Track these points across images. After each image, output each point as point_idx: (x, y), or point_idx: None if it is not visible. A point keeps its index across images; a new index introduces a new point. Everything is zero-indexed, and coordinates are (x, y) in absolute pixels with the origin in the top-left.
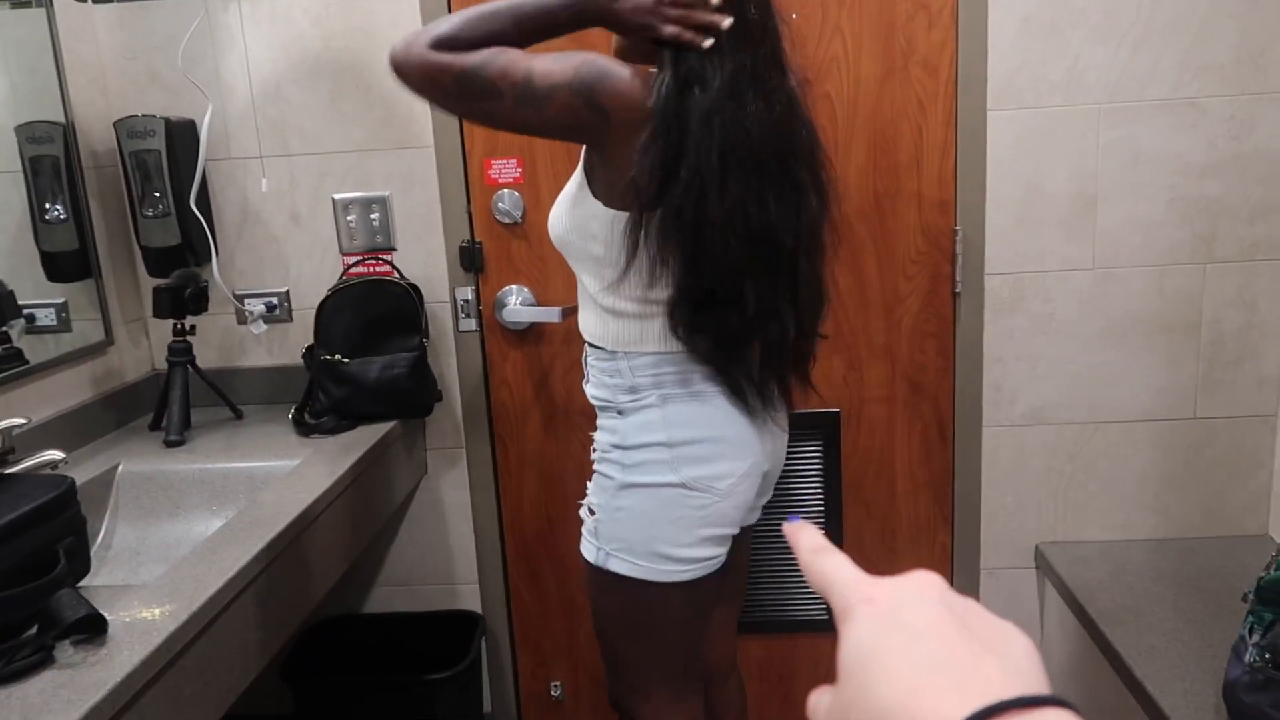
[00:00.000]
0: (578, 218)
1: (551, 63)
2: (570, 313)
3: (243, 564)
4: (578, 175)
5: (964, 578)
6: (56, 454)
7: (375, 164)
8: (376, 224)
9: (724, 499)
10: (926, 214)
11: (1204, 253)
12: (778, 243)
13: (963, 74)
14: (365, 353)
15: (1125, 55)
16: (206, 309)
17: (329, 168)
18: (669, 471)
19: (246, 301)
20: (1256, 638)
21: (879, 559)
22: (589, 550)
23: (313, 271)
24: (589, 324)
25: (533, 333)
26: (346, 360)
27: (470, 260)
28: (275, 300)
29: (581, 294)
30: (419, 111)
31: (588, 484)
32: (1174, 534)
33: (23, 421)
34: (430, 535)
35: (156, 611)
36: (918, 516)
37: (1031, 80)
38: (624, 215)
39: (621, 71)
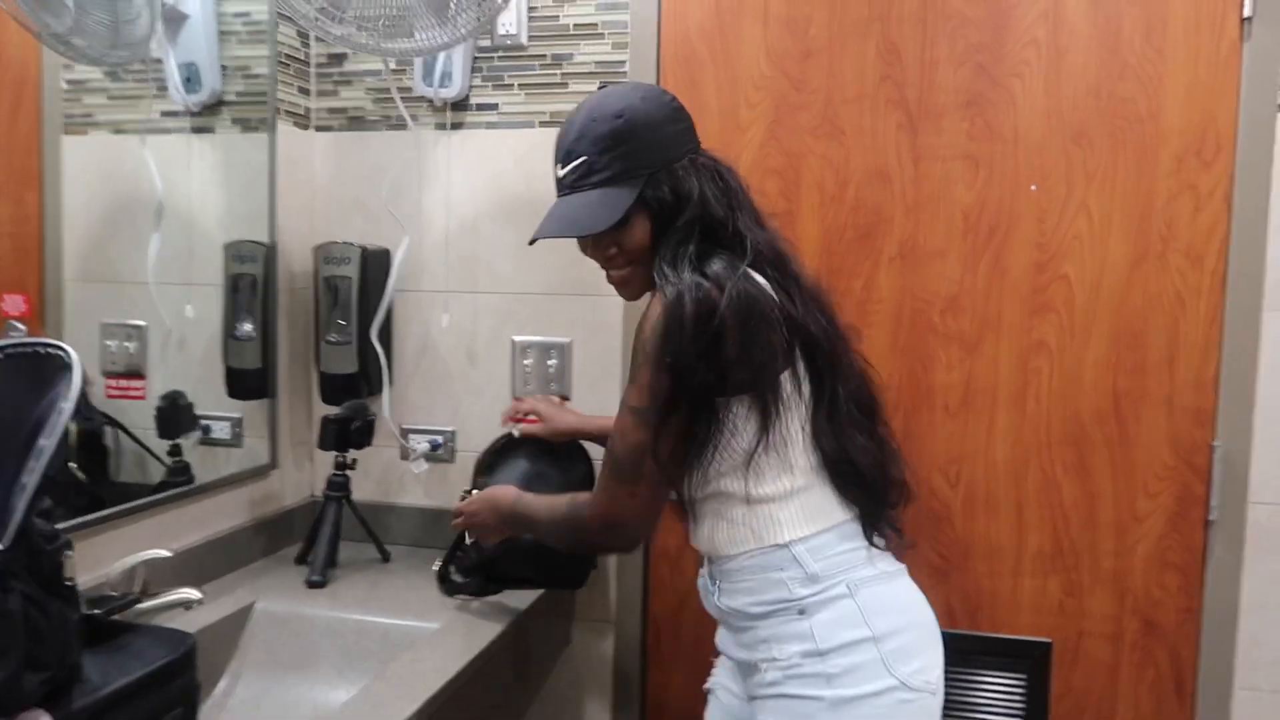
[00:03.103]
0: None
1: None
2: None
3: None
4: None
5: None
6: (193, 593)
7: (559, 308)
8: (553, 371)
9: (935, 695)
10: (1178, 423)
11: None
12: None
13: (1234, 266)
14: None
15: None
16: (370, 443)
17: (513, 308)
18: (884, 673)
19: (411, 438)
20: None
21: None
22: None
23: (482, 413)
24: (736, 531)
25: None
26: None
27: None
28: (440, 439)
29: (719, 507)
30: None
31: None
32: None
33: (165, 555)
34: (564, 717)
35: None
36: None
37: None
38: (745, 397)
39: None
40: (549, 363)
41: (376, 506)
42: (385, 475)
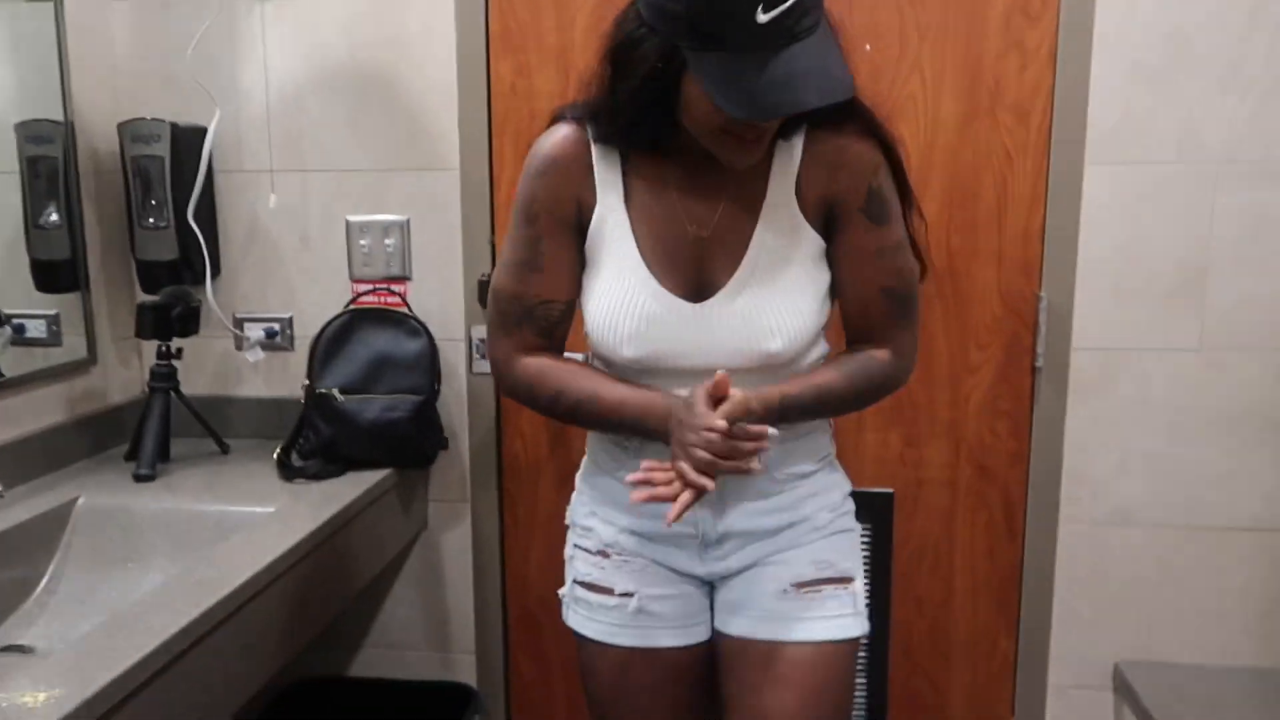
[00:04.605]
0: (823, 281)
1: None
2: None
3: (165, 637)
4: (809, 247)
5: (1028, 694)
6: None
7: (395, 185)
8: (391, 251)
9: None
10: (1007, 276)
11: None
12: None
13: (1059, 122)
14: (366, 390)
15: (1250, 110)
16: (196, 331)
17: (345, 187)
18: None
19: (245, 326)
20: None
21: (930, 664)
22: (856, 626)
23: (319, 298)
24: None
25: None
26: (341, 396)
27: None
28: (276, 326)
29: (791, 372)
30: (446, 130)
31: (813, 562)
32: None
33: None
34: (425, 597)
35: (41, 696)
36: (977, 619)
37: (1138, 133)
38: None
39: None
40: (386, 242)
41: (214, 400)
42: (221, 367)
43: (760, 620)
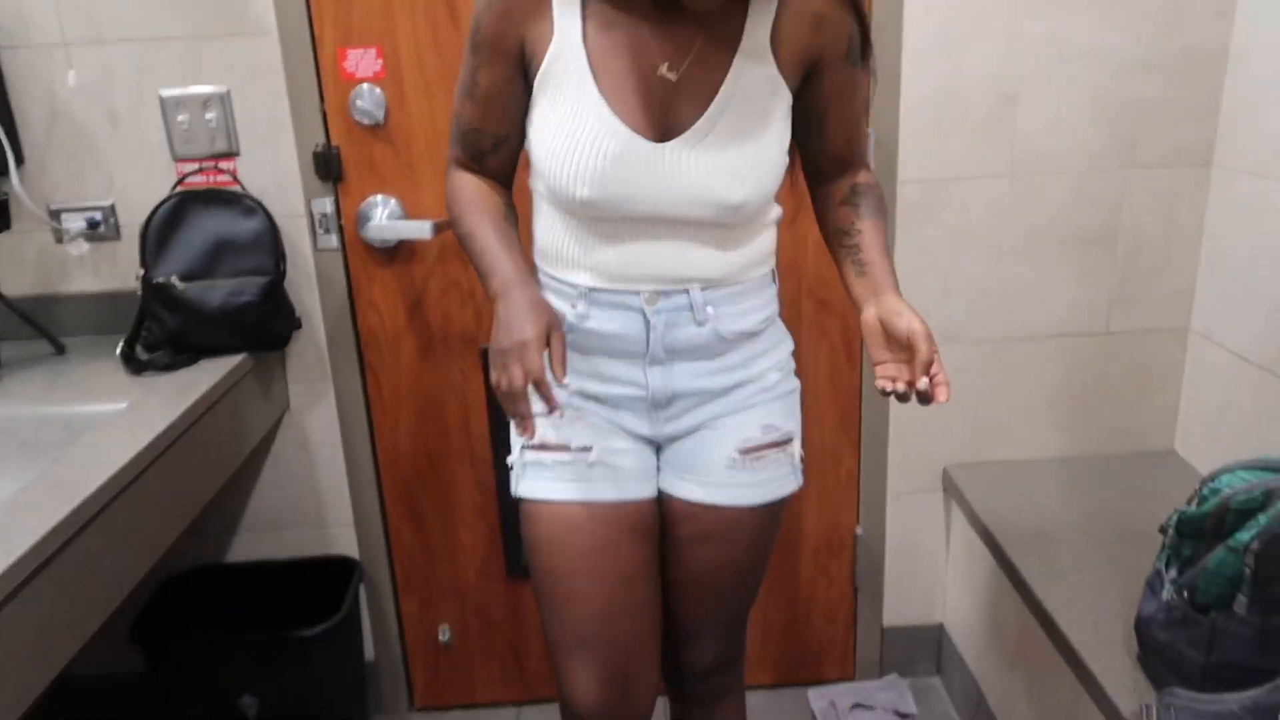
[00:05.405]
0: (787, 135)
1: None
2: (445, 227)
3: (31, 543)
4: (778, 101)
5: (870, 502)
6: None
7: (209, 54)
8: (214, 125)
9: None
10: None
11: (1125, 158)
12: None
13: None
14: (208, 276)
15: None
16: (8, 226)
17: (152, 59)
18: None
19: (63, 217)
20: (1174, 573)
21: None
22: (793, 482)
23: (141, 182)
24: (766, 246)
25: (403, 250)
26: (181, 284)
27: (327, 168)
28: (98, 215)
29: (764, 219)
30: None
31: (760, 426)
32: (1082, 452)
33: None
34: (297, 476)
35: None
36: (824, 442)
37: None
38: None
39: None
40: (208, 117)
41: (40, 298)
42: (42, 263)
43: (706, 488)
